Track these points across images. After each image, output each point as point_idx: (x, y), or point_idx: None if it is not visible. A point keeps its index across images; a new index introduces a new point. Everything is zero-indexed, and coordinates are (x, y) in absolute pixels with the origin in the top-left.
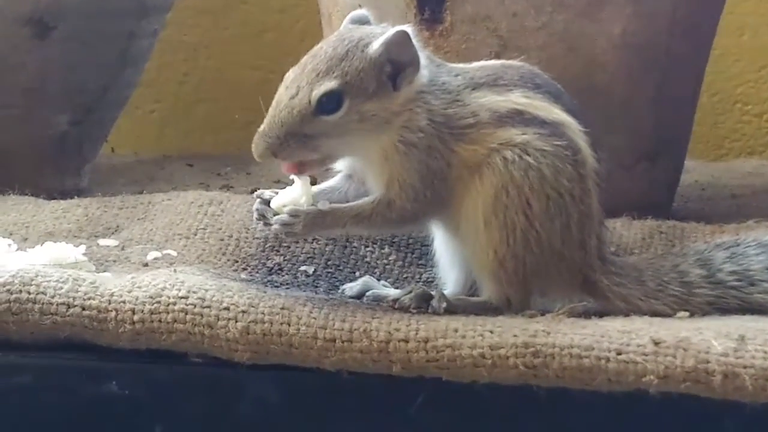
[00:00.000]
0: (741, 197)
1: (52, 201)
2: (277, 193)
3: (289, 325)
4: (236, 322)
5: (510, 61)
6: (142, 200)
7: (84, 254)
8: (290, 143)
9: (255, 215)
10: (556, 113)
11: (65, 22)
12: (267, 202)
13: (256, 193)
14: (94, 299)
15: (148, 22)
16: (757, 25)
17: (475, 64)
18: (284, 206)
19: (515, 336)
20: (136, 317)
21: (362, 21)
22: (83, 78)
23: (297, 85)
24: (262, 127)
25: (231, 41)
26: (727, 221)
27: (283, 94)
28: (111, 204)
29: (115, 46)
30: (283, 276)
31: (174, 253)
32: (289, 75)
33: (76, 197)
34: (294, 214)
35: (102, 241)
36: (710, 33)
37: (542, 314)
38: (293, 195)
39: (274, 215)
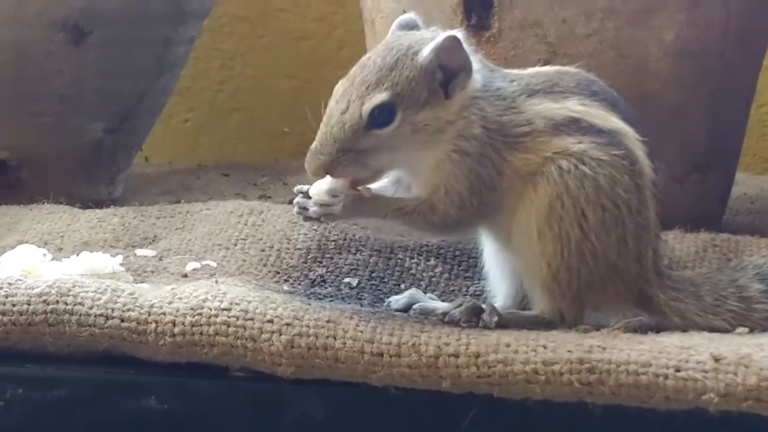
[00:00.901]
0: None
1: (88, 210)
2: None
3: (335, 338)
4: (280, 335)
5: (566, 68)
6: (180, 210)
7: (121, 264)
8: (343, 160)
9: (295, 209)
10: (614, 121)
11: (101, 27)
12: (307, 195)
13: (296, 188)
14: (133, 311)
15: (186, 28)
16: None
17: (530, 70)
18: (320, 192)
19: (569, 351)
20: (176, 329)
21: (410, 26)
22: (119, 85)
23: (347, 99)
24: (314, 144)
25: (267, 49)
26: None
27: (333, 109)
28: (148, 213)
29: (151, 52)
30: (326, 288)
31: (214, 264)
32: (339, 88)
33: (110, 206)
34: (334, 194)
35: (139, 251)
36: (764, 42)
37: (597, 329)
38: (331, 181)
39: (312, 205)
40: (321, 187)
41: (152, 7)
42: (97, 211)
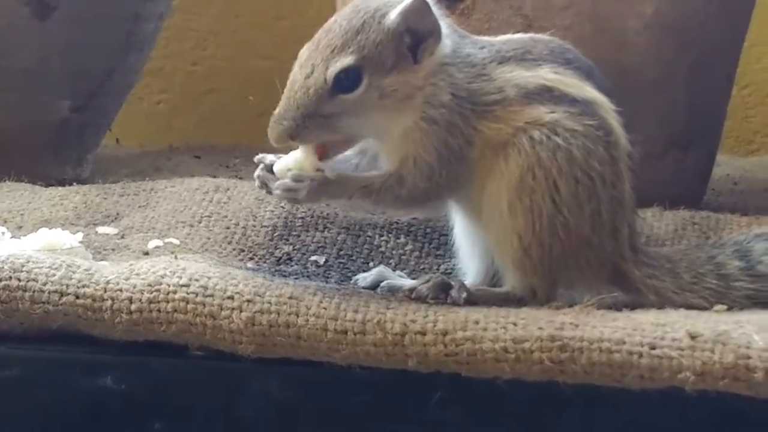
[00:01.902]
0: None
1: (50, 188)
2: (279, 158)
3: (298, 315)
4: (241, 312)
5: (539, 35)
6: (144, 187)
7: (81, 242)
8: (308, 125)
9: (256, 182)
10: (588, 91)
11: (67, 2)
12: (270, 168)
13: (257, 157)
14: (88, 287)
15: (154, 4)
16: None
17: (502, 37)
18: (284, 170)
19: (540, 329)
20: (133, 306)
21: None
22: (86, 61)
23: (311, 63)
24: (277, 110)
25: (242, 29)
26: (762, 214)
27: (297, 74)
28: (111, 191)
29: (119, 28)
30: (292, 266)
31: (177, 242)
32: (303, 52)
33: None
34: (298, 179)
35: (101, 229)
36: (746, 15)
37: (569, 306)
38: (296, 158)
39: (275, 189)
40: (286, 163)
41: None
42: (59, 189)
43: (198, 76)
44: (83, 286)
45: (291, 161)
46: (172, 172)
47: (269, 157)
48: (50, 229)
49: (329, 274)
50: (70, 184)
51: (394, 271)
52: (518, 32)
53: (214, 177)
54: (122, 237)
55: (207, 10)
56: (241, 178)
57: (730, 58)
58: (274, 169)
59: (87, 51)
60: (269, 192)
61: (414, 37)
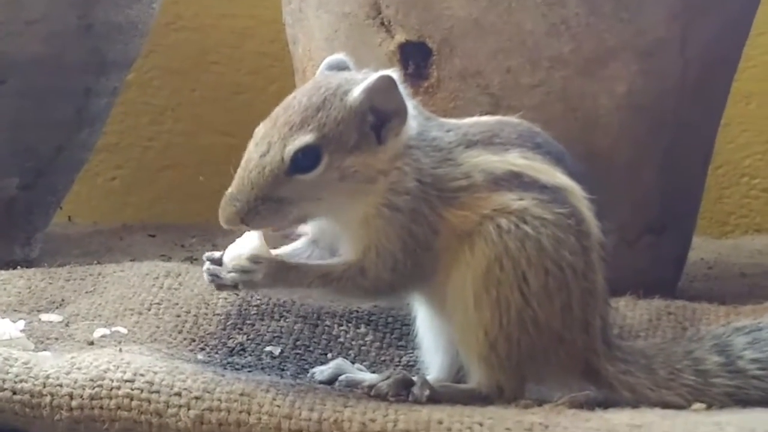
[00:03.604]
0: (751, 276)
1: None
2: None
3: (249, 413)
4: (189, 409)
5: (507, 118)
6: (91, 271)
7: (22, 330)
8: (261, 208)
9: (206, 277)
10: (558, 177)
11: (15, 76)
12: (218, 261)
13: (205, 255)
14: (26, 382)
15: (108, 79)
16: (764, 92)
17: (469, 120)
18: (236, 257)
19: (508, 429)
20: (74, 403)
21: (340, 66)
22: (34, 138)
23: (268, 141)
24: (229, 189)
25: (200, 104)
26: (739, 302)
27: (252, 152)
28: (57, 275)
29: (70, 104)
30: (245, 357)
31: (124, 331)
32: (260, 130)
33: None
34: (255, 260)
35: (44, 316)
36: (722, 97)
37: (539, 404)
38: (247, 244)
39: (229, 272)
40: (235, 252)
41: (70, 55)
42: (2, 272)
43: (154, 151)
44: (21, 381)
45: (242, 248)
46: (124, 252)
47: (217, 254)
48: None
49: (285, 366)
50: (18, 265)
51: (353, 363)
52: (485, 111)
53: (168, 258)
54: (67, 325)
55: (164, 85)
56: (195, 259)
57: (705, 141)
58: (225, 258)
59: (36, 127)
60: (220, 285)
61: (378, 117)
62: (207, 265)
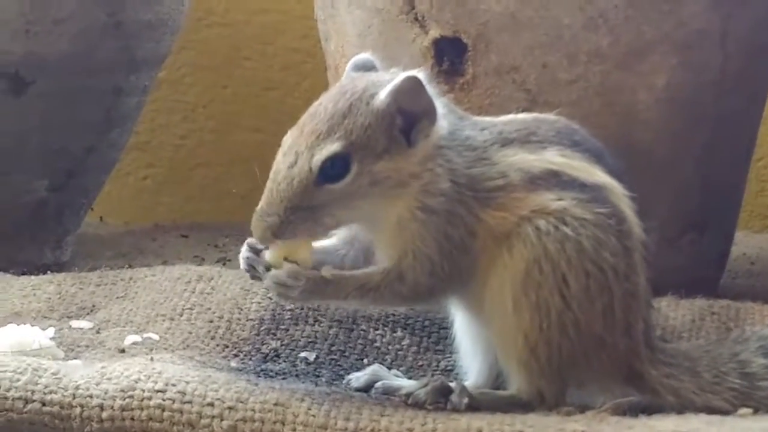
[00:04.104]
0: None
1: (23, 277)
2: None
3: (284, 424)
4: (222, 420)
5: (544, 115)
6: (122, 276)
7: (52, 338)
8: (293, 220)
9: (242, 264)
10: (598, 175)
11: (44, 76)
12: (257, 251)
13: (248, 241)
14: (56, 393)
15: (138, 77)
16: None
17: (504, 118)
18: (277, 257)
19: None
20: (104, 414)
21: (367, 67)
22: (64, 139)
23: (295, 151)
24: (260, 204)
25: (232, 101)
26: None
27: (280, 163)
28: (87, 280)
29: (100, 103)
30: (279, 364)
31: (156, 337)
32: (287, 139)
33: (57, 272)
34: (294, 276)
35: (75, 323)
36: (764, 88)
37: (581, 411)
38: (290, 246)
39: (267, 268)
40: (277, 249)
41: (100, 54)
42: (33, 278)
43: (186, 150)
44: (50, 392)
45: (283, 248)
46: (156, 254)
47: (261, 247)
48: (19, 324)
49: (320, 372)
50: (49, 269)
51: (389, 369)
52: (521, 108)
53: (202, 258)
54: (98, 332)
55: (196, 82)
56: (229, 260)
57: (747, 135)
58: (266, 254)
59: (65, 128)
60: (255, 277)
61: (407, 119)
62: (246, 252)
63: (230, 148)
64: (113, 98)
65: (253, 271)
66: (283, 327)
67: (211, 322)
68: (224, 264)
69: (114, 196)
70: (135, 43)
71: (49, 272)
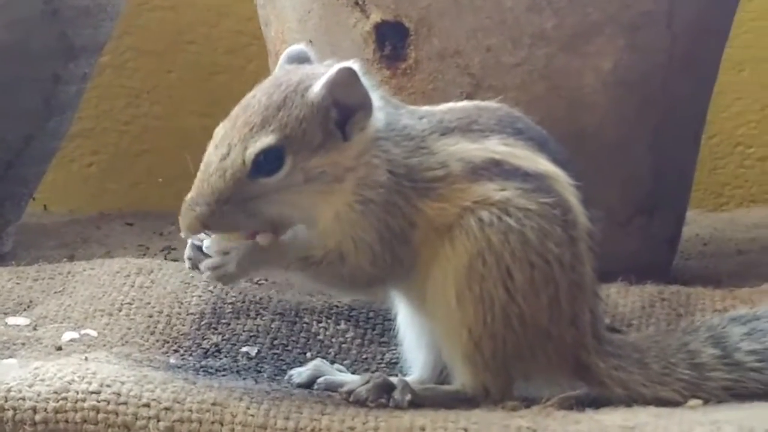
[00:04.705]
0: (748, 253)
1: None
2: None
3: (222, 424)
4: (158, 421)
5: (485, 102)
6: (61, 270)
7: None
8: (224, 211)
9: (187, 264)
10: (542, 164)
11: None
12: (200, 247)
13: (183, 235)
14: None
15: (77, 65)
16: (758, 59)
17: (444, 106)
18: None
19: None
20: (38, 417)
21: (301, 59)
22: (1, 129)
23: (228, 143)
24: (189, 194)
25: (177, 85)
26: (736, 282)
27: (212, 155)
28: (25, 275)
29: (38, 92)
30: (220, 359)
31: (94, 334)
32: (219, 131)
33: None
34: (223, 252)
35: (11, 320)
36: (713, 68)
37: (527, 406)
38: (226, 236)
39: (203, 272)
40: (214, 240)
41: (36, 42)
42: None
43: (131, 136)
44: None
45: (222, 237)
46: (101, 243)
47: (201, 241)
48: None
49: (262, 367)
50: None
51: (333, 363)
52: (465, 92)
53: (146, 247)
54: (34, 328)
55: (140, 67)
56: (174, 249)
57: (696, 116)
58: (205, 249)
59: (2, 117)
60: (200, 272)
61: (342, 111)
62: (188, 250)
63: (176, 133)
64: (52, 87)
65: (197, 268)
66: (224, 321)
67: (151, 317)
68: (169, 252)
69: (58, 184)
70: (72, 31)
71: None
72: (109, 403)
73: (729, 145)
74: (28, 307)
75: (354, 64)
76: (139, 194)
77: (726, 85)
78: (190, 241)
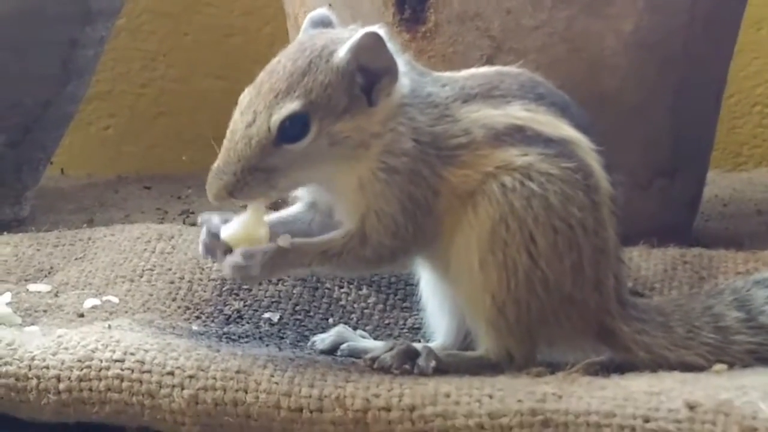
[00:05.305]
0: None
1: None
2: (227, 220)
3: (246, 392)
4: (182, 389)
5: (507, 68)
6: (81, 236)
7: (9, 303)
8: (249, 180)
9: (201, 249)
10: (564, 129)
11: None
12: (216, 234)
13: (201, 218)
14: (11, 364)
15: (94, 28)
16: None
17: (466, 72)
18: (234, 237)
19: (519, 401)
20: (62, 385)
21: (325, 23)
22: (20, 93)
23: (253, 110)
24: (216, 163)
25: (193, 48)
26: (756, 243)
27: (238, 122)
28: (45, 241)
29: (55, 56)
30: (243, 325)
31: (115, 300)
32: (244, 97)
33: (16, 228)
34: (248, 255)
35: (32, 286)
36: (734, 29)
37: (551, 372)
38: (247, 224)
39: (226, 251)
40: (234, 230)
41: (52, 5)
42: None
43: (147, 98)
44: (5, 364)
45: (240, 227)
46: (119, 207)
47: (215, 219)
48: None
49: (284, 333)
50: (9, 226)
51: (355, 329)
52: (486, 56)
53: (164, 211)
54: (56, 295)
55: (155, 29)
56: (192, 213)
57: (717, 77)
58: (222, 236)
59: (20, 82)
60: (216, 261)
61: (367, 77)
62: (203, 235)
63: (192, 95)
64: (69, 51)
65: (212, 254)
66: (246, 287)
67: (172, 283)
68: (187, 216)
69: (75, 147)
70: None
71: (8, 229)
72: (133, 371)
73: (747, 105)
74: (49, 273)
75: (379, 29)
76: (156, 157)
77: (744, 44)
78: (205, 227)
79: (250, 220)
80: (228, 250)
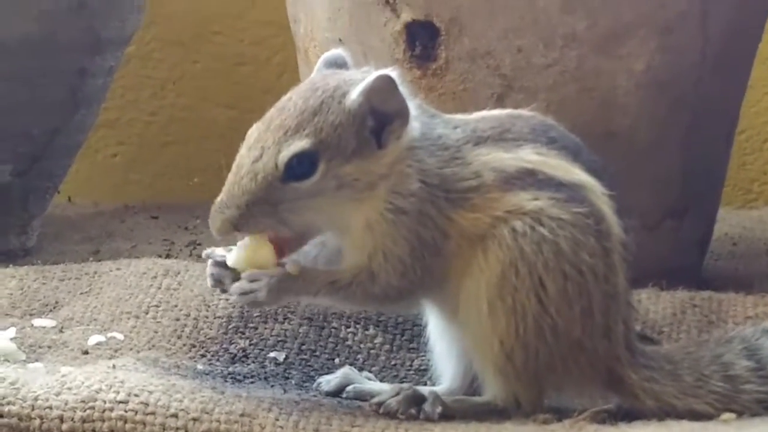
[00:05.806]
0: None
1: None
2: (230, 250)
3: None
4: None
5: (518, 111)
6: (87, 270)
7: (13, 338)
8: (255, 212)
9: (209, 282)
10: (575, 173)
11: (5, 58)
12: (223, 264)
13: (205, 253)
14: (14, 404)
15: (103, 58)
16: None
17: (477, 115)
18: (239, 260)
19: None
20: (65, 426)
21: (338, 63)
22: (28, 122)
23: (261, 146)
24: (220, 196)
25: (202, 76)
26: (766, 285)
27: (245, 157)
28: (51, 275)
29: (64, 85)
30: (248, 365)
31: (120, 337)
32: (252, 132)
33: (23, 259)
34: (254, 279)
35: (37, 321)
36: (746, 67)
37: (558, 419)
38: (249, 246)
39: (234, 279)
40: (239, 255)
41: (62, 34)
42: None
43: (156, 127)
44: (8, 403)
45: (243, 250)
46: (125, 237)
47: (218, 251)
48: None
49: (289, 373)
50: (15, 256)
51: (361, 370)
52: (496, 94)
53: (171, 242)
54: (61, 330)
55: (165, 57)
56: (199, 244)
57: (729, 116)
58: (229, 261)
59: (28, 111)
60: (224, 291)
61: (378, 119)
62: (210, 267)
63: (201, 124)
64: (78, 80)
65: (220, 285)
66: (251, 325)
67: (178, 320)
68: (194, 248)
69: (82, 175)
70: (99, 24)
71: (14, 259)
72: (136, 413)
73: (758, 141)
74: (54, 308)
75: (392, 72)
76: (164, 186)
77: (755, 80)
78: (211, 259)
79: (252, 241)
80: (236, 278)
